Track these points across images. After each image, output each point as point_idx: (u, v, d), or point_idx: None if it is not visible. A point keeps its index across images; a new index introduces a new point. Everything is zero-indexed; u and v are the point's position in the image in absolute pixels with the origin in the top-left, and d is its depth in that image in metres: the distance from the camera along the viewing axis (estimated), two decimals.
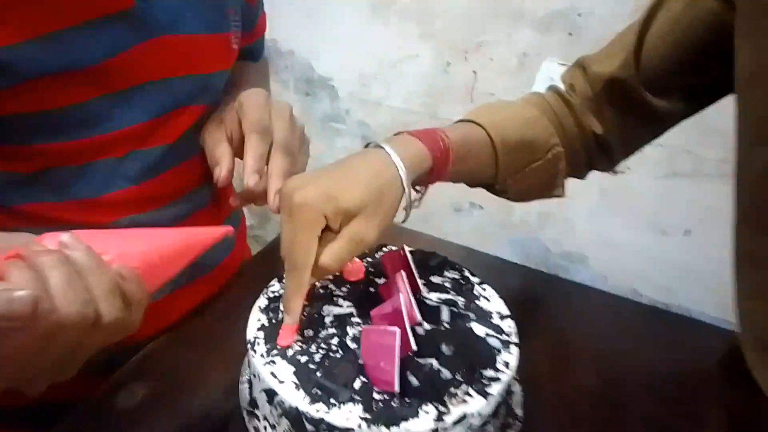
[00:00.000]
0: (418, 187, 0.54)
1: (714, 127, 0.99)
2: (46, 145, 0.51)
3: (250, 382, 0.51)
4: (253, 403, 0.50)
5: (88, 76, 0.50)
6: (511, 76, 1.29)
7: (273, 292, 0.54)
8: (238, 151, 0.56)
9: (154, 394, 0.53)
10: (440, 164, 0.52)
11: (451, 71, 1.35)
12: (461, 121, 0.60)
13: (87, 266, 0.33)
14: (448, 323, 0.50)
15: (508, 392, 0.49)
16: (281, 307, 0.50)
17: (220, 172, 0.54)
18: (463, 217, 1.47)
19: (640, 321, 0.66)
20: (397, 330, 0.43)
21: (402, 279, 0.49)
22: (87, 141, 0.53)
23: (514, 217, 1.42)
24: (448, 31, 1.31)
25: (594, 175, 1.40)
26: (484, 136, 0.57)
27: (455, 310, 0.50)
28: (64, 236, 0.35)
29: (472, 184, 0.62)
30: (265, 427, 0.48)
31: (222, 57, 0.62)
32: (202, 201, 0.65)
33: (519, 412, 0.52)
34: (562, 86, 0.65)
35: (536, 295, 0.69)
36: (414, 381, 0.44)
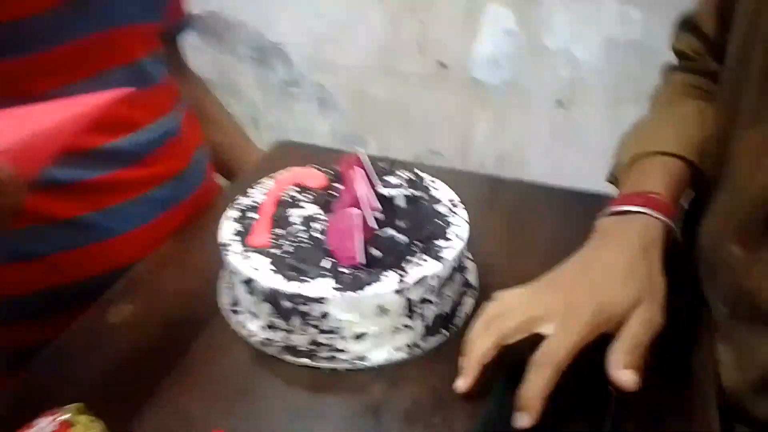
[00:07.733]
0: None
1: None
2: None
3: (231, 285, 0.56)
4: (234, 300, 0.55)
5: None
6: (459, 24, 1.33)
7: (243, 205, 0.58)
8: None
9: (141, 310, 0.57)
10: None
11: (399, 25, 1.39)
12: (646, 154, 0.56)
13: None
14: (404, 207, 0.55)
15: (462, 267, 0.54)
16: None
17: None
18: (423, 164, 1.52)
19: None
20: (355, 209, 0.48)
21: (358, 173, 0.54)
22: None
23: (472, 160, 1.48)
24: None
25: (545, 113, 1.44)
26: (681, 166, 0.55)
27: (410, 195, 0.55)
28: None
29: None
30: (248, 317, 0.53)
31: None
32: (170, 128, 0.69)
33: (474, 282, 0.57)
34: (674, 57, 0.66)
35: (489, 195, 0.73)
36: (377, 253, 0.49)
